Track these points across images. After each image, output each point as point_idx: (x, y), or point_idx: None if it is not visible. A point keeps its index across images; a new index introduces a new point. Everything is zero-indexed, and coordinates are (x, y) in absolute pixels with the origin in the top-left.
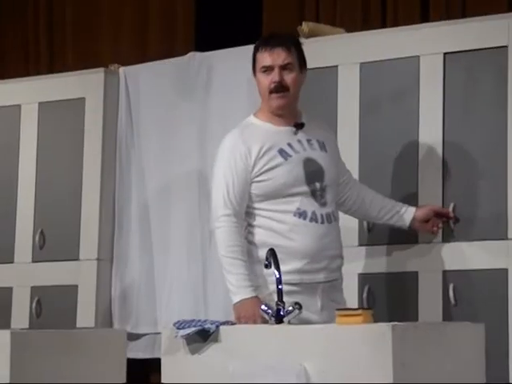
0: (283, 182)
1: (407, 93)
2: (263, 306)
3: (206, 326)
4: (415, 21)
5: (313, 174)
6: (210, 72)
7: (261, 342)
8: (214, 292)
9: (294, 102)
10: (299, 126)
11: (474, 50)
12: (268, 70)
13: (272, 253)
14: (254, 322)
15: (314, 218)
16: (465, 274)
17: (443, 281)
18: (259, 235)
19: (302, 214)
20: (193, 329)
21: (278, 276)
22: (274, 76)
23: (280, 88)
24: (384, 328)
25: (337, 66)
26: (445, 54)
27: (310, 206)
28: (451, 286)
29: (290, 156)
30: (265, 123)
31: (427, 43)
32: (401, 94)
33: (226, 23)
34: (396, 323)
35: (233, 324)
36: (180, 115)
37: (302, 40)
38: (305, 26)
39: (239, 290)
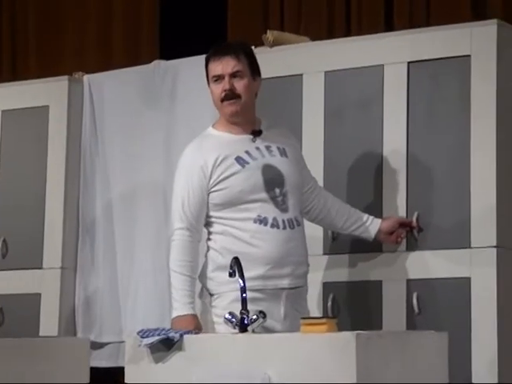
0: (240, 190)
1: (372, 101)
2: (227, 315)
3: (170, 335)
4: (379, 29)
5: (272, 180)
6: (174, 80)
7: (225, 351)
8: None
9: (249, 109)
10: (257, 133)
11: (438, 58)
12: (219, 79)
13: (236, 261)
14: None
15: (275, 224)
16: (428, 282)
17: (407, 289)
18: (221, 242)
19: (262, 221)
20: (157, 337)
21: (242, 285)
22: (225, 84)
23: (231, 95)
24: (348, 336)
25: (301, 75)
26: (409, 62)
27: (270, 212)
28: (415, 295)
29: (248, 163)
30: (223, 133)
31: (391, 52)
32: (365, 103)
33: (190, 31)
34: (360, 332)
35: (197, 333)
36: (145, 123)
37: (267, 49)
38: (269, 35)
39: (179, 306)
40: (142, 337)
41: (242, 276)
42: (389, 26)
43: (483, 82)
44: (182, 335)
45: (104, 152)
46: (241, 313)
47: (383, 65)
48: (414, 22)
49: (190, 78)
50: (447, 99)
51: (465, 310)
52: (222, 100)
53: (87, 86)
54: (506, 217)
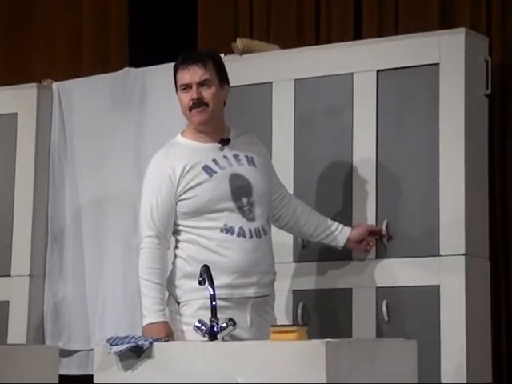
0: (208, 199)
1: (341, 109)
2: (197, 323)
3: (140, 343)
4: (348, 38)
5: (239, 189)
6: (143, 87)
7: (195, 359)
8: None
9: (217, 117)
10: (225, 142)
11: (407, 67)
12: (187, 87)
13: (206, 269)
14: None
15: (241, 233)
16: (398, 290)
17: (376, 297)
18: (188, 250)
19: (229, 230)
20: (126, 345)
21: (212, 293)
22: (192, 93)
23: (199, 104)
24: (318, 344)
25: (271, 83)
26: (378, 71)
27: (237, 221)
28: (384, 303)
29: (215, 172)
30: (191, 141)
31: (360, 60)
32: (335, 111)
33: (159, 39)
34: (330, 340)
35: (166, 341)
36: (114, 130)
37: (236, 56)
38: (239, 43)
39: (149, 314)
40: (112, 344)
41: (211, 284)
42: (358, 35)
43: (452, 90)
44: (151, 343)
45: (73, 159)
46: (211, 321)
47: (352, 73)
48: (382, 30)
49: (159, 86)
50: (416, 107)
51: (434, 318)
52: (190, 108)
53: (56, 94)
54: (474, 225)
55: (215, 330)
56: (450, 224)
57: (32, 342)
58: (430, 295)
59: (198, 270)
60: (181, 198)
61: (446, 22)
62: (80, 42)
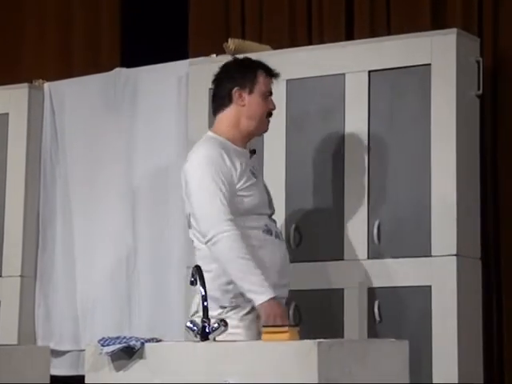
0: (258, 201)
1: (333, 110)
2: (188, 323)
3: (132, 343)
4: (340, 38)
5: (269, 197)
6: (135, 88)
7: (186, 359)
8: (139, 309)
9: None
10: (253, 152)
11: (399, 67)
12: (268, 95)
13: (198, 270)
14: (283, 321)
15: (277, 235)
16: (390, 290)
17: (368, 298)
18: None
19: (268, 231)
20: (118, 346)
21: (203, 293)
22: (272, 103)
23: (271, 114)
24: (310, 345)
25: None
26: (370, 71)
27: (271, 224)
28: (376, 303)
29: (257, 177)
30: (229, 143)
31: (352, 61)
32: (327, 111)
33: (151, 39)
34: (322, 340)
35: (158, 341)
36: (106, 131)
37: (228, 57)
38: (231, 43)
39: (264, 290)
40: (103, 345)
41: (203, 285)
42: (350, 35)
43: (443, 90)
44: (143, 343)
45: (64, 160)
46: (202, 321)
47: (344, 73)
48: (374, 31)
49: (151, 86)
50: (408, 107)
51: (425, 318)
52: (268, 115)
53: (48, 94)
54: (465, 225)
55: (207, 330)
56: (442, 224)
57: (23, 343)
58: (422, 295)
59: None
60: (238, 193)
61: (437, 23)
62: (71, 42)
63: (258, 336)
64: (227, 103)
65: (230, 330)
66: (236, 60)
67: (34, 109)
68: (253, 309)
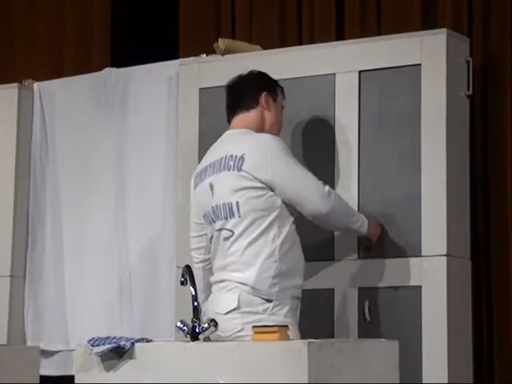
0: None
1: (323, 110)
2: (179, 323)
3: (121, 343)
4: (331, 38)
5: None
6: (126, 87)
7: (176, 359)
8: (129, 309)
9: None
10: None
11: (389, 67)
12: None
13: (188, 270)
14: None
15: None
16: (380, 290)
17: (358, 298)
18: (282, 249)
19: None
20: (108, 346)
21: (193, 293)
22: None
23: None
24: (300, 345)
25: None
26: (360, 71)
27: None
28: (366, 303)
29: None
30: None
31: (343, 61)
32: (317, 111)
33: (142, 39)
34: (312, 340)
35: (148, 341)
36: (96, 131)
37: (218, 57)
38: (221, 43)
39: (362, 217)
40: (93, 345)
41: (193, 284)
42: (340, 35)
43: (433, 90)
44: (133, 343)
45: (54, 160)
46: (192, 321)
47: (335, 74)
48: (365, 31)
49: (141, 86)
50: (398, 108)
51: (415, 318)
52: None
53: (37, 94)
54: (456, 225)
55: (197, 330)
56: (432, 225)
57: (13, 343)
58: (412, 296)
59: (288, 268)
60: None
61: (427, 23)
62: (62, 41)
63: (299, 333)
64: (253, 105)
65: None
66: (257, 71)
67: (23, 109)
68: (292, 305)
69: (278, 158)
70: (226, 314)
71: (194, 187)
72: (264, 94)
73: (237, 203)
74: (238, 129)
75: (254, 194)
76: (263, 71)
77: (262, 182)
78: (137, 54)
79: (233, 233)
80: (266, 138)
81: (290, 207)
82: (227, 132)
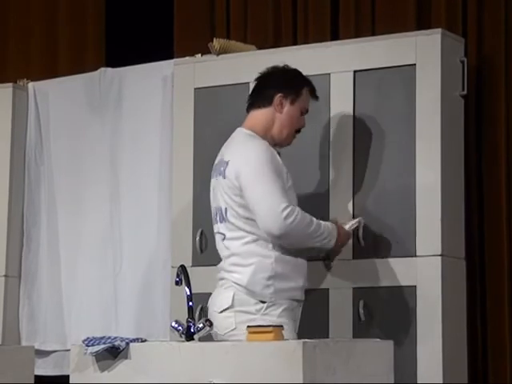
0: (295, 203)
1: (318, 110)
2: (173, 323)
3: (116, 343)
4: (325, 38)
5: None
6: (120, 88)
7: (171, 359)
8: (125, 309)
9: None
10: (279, 155)
11: (383, 67)
12: (304, 113)
13: (183, 270)
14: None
15: None
16: (374, 290)
17: (353, 298)
18: (278, 250)
19: None
20: (102, 346)
21: (188, 294)
22: (304, 121)
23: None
24: (294, 345)
25: (248, 83)
26: (355, 71)
27: None
28: (361, 303)
29: (290, 180)
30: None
31: (337, 61)
32: (312, 111)
33: (136, 39)
34: (306, 340)
35: (143, 341)
36: (91, 131)
37: (213, 57)
38: (216, 43)
39: (331, 236)
40: (88, 345)
41: (188, 284)
42: (335, 35)
43: (428, 90)
44: (128, 343)
45: (49, 160)
46: (187, 321)
47: (329, 73)
48: (359, 31)
49: (136, 86)
50: (393, 108)
51: (410, 318)
52: (296, 131)
53: (32, 94)
54: (450, 225)
55: (192, 330)
56: (427, 225)
57: (8, 343)
58: (407, 295)
59: (286, 270)
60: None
61: (422, 23)
62: (56, 41)
63: (295, 333)
64: (266, 104)
65: None
66: (286, 68)
67: (18, 109)
68: (288, 306)
69: (252, 164)
70: (220, 312)
71: None
72: (279, 95)
73: (225, 208)
74: (244, 129)
75: (239, 200)
76: (296, 68)
77: (238, 187)
78: (131, 53)
79: (225, 235)
80: (253, 147)
81: None
82: (237, 129)
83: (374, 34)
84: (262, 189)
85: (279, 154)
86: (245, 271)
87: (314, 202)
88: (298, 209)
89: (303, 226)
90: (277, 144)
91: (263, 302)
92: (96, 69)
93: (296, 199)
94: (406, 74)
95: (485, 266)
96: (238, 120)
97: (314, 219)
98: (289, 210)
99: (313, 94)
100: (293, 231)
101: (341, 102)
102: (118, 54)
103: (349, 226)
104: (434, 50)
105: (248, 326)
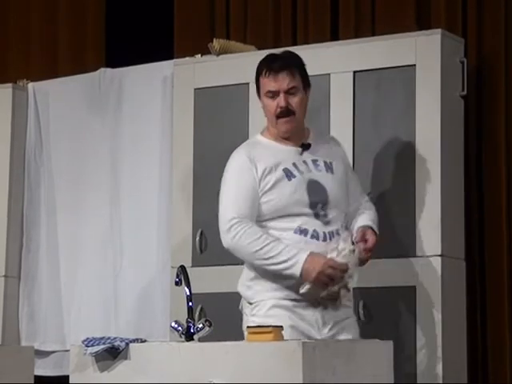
0: (286, 203)
1: (318, 110)
2: (173, 323)
3: (116, 344)
4: (325, 39)
5: (316, 196)
6: (120, 88)
7: (171, 360)
8: (125, 309)
9: (301, 123)
10: (305, 147)
11: (383, 68)
12: (274, 94)
13: (182, 270)
14: (328, 275)
15: (315, 236)
16: (374, 291)
17: (353, 298)
18: None
19: (302, 232)
20: (102, 346)
21: (188, 294)
22: (280, 101)
23: (286, 113)
24: (294, 345)
25: (248, 83)
26: (354, 72)
27: (311, 224)
28: (361, 303)
29: (294, 176)
30: (272, 142)
31: (337, 61)
32: (312, 111)
33: (136, 39)
34: (306, 340)
35: (143, 341)
36: (91, 132)
37: (213, 57)
38: (216, 43)
39: (294, 259)
40: (87, 345)
41: (187, 284)
42: (335, 36)
43: (428, 90)
44: (127, 344)
45: (49, 161)
46: (187, 321)
47: (329, 74)
48: (359, 31)
49: (136, 86)
50: (392, 108)
51: (410, 319)
52: (278, 117)
53: (32, 94)
54: (450, 226)
55: (191, 330)
56: (426, 225)
57: (7, 343)
58: (407, 296)
59: (266, 272)
60: (261, 198)
61: (422, 24)
62: (56, 42)
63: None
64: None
65: None
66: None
67: (18, 109)
68: (275, 304)
69: (225, 171)
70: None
71: None
72: (257, 93)
73: None
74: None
75: None
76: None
77: None
78: (131, 54)
79: None
80: (232, 154)
81: (263, 209)
82: None
83: (373, 34)
84: (220, 198)
85: (309, 145)
86: (241, 275)
87: None
88: (245, 225)
89: (246, 244)
90: (281, 137)
91: (251, 304)
92: (96, 69)
93: (285, 196)
94: (405, 74)
95: (485, 266)
96: (237, 120)
97: (270, 239)
98: (233, 223)
99: (265, 69)
100: (237, 246)
101: (341, 102)
102: (118, 54)
103: (340, 255)
104: (433, 50)
105: (247, 327)
